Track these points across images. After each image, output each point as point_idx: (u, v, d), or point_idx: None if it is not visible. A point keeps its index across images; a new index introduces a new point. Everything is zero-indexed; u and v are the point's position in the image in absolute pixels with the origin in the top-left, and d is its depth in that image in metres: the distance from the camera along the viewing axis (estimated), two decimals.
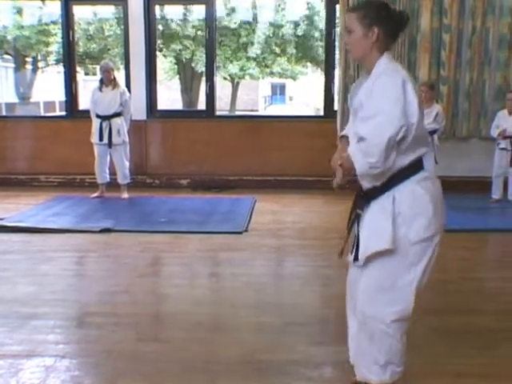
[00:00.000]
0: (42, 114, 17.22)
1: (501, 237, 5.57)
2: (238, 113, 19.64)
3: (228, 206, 6.67)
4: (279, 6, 15.93)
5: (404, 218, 2.22)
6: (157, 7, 8.33)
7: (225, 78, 18.86)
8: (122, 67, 9.17)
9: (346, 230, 2.42)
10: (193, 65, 16.85)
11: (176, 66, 17.53)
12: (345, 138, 2.42)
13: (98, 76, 7.33)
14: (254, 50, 16.89)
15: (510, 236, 5.52)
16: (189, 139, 7.89)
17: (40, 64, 18.54)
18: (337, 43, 7.63)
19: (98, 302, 3.75)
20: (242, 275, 4.29)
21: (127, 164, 7.12)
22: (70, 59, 8.15)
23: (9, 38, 15.95)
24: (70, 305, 3.70)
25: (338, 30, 7.58)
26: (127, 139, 7.06)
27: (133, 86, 7.79)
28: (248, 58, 17.42)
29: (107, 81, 6.94)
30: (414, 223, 2.22)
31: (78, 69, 11.14)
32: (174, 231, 5.48)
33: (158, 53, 9.53)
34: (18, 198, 7.07)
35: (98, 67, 8.67)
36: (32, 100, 18.49)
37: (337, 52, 7.72)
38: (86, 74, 18.42)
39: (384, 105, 2.14)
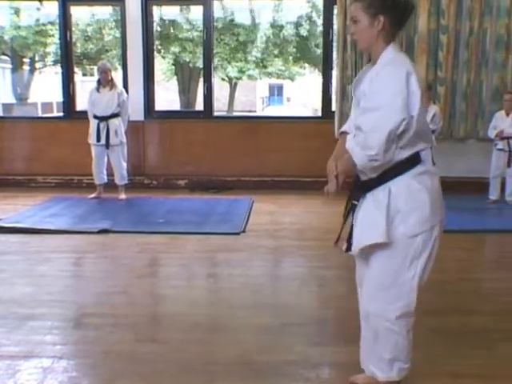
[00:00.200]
0: (40, 114, 17.17)
1: (498, 237, 5.58)
2: (235, 114, 19.61)
3: (226, 206, 6.67)
4: (278, 5, 15.92)
5: (399, 213, 2.22)
6: (154, 8, 8.32)
7: (223, 79, 18.86)
8: (119, 68, 9.16)
9: (342, 219, 2.42)
10: (190, 66, 16.85)
11: (174, 67, 17.53)
12: (344, 133, 2.42)
13: (96, 77, 7.31)
14: (253, 54, 16.90)
15: (507, 237, 5.52)
16: (186, 140, 7.89)
17: (37, 65, 18.50)
18: (334, 43, 7.63)
19: (95, 303, 3.75)
20: (240, 276, 4.29)
21: (125, 165, 7.11)
22: (67, 60, 8.15)
23: (6, 38, 15.90)
24: (67, 306, 3.70)
25: (335, 29, 7.58)
26: (125, 140, 7.06)
27: (130, 86, 7.78)
28: (247, 61, 17.43)
29: (105, 82, 6.93)
30: (409, 218, 2.21)
31: (76, 70, 11.16)
32: (172, 232, 5.48)
33: (155, 54, 9.52)
34: (15, 198, 7.06)
35: (95, 68, 8.65)
36: (29, 101, 18.43)
37: (334, 52, 7.72)
38: (84, 74, 18.38)
39: (386, 97, 2.13)
